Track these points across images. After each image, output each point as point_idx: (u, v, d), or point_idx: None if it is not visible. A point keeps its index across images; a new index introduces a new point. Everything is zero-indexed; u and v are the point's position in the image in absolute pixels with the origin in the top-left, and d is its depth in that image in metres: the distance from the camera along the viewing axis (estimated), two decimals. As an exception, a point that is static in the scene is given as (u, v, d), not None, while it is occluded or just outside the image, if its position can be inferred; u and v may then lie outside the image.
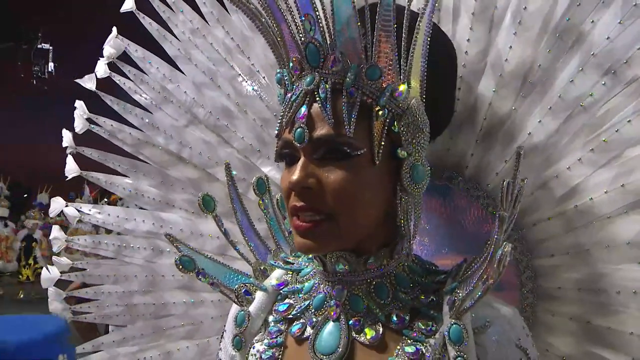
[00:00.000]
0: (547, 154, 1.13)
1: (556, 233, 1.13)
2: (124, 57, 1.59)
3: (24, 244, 11.27)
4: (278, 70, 0.95)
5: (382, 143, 0.87)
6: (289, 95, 0.91)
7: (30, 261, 11.11)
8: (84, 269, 1.62)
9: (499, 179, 1.18)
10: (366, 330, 0.91)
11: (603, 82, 1.07)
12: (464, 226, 1.22)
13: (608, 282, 1.07)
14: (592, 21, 1.08)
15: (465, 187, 1.21)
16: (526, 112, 1.15)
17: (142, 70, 1.57)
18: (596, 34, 1.07)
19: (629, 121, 1.05)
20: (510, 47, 1.14)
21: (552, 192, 1.13)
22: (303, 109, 0.87)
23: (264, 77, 1.43)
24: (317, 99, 0.86)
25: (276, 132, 0.93)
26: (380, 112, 0.87)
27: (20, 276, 10.98)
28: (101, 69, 1.61)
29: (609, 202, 1.07)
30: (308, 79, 0.88)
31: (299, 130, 0.87)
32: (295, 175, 0.87)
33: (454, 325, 0.87)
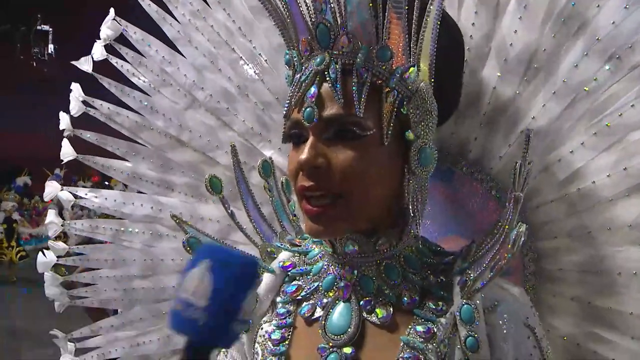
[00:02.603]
0: (551, 138, 1.14)
1: (559, 216, 1.15)
2: (122, 39, 1.56)
3: (4, 226, 11.37)
4: (287, 52, 0.96)
5: (391, 124, 0.88)
6: (298, 75, 0.92)
7: (13, 243, 11.21)
8: (82, 253, 1.60)
9: (503, 163, 1.19)
10: (377, 310, 0.93)
11: (607, 67, 1.08)
12: (466, 209, 1.23)
13: (609, 263, 1.09)
14: (598, 6, 1.09)
15: (468, 171, 1.22)
16: (530, 97, 1.16)
17: (140, 53, 1.55)
18: (601, 19, 1.08)
19: (632, 106, 1.07)
20: (516, 31, 1.15)
21: (555, 175, 1.14)
22: (313, 89, 0.88)
23: (265, 61, 1.42)
24: (327, 79, 0.87)
25: (284, 112, 0.93)
26: (390, 94, 0.88)
27: (4, 257, 11.05)
28: (98, 51, 1.58)
29: (611, 185, 1.09)
30: (318, 59, 0.88)
31: (308, 109, 0.87)
32: (304, 155, 0.87)
33: (465, 306, 0.89)
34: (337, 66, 0.87)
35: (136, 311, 1.54)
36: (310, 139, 0.88)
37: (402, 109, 0.90)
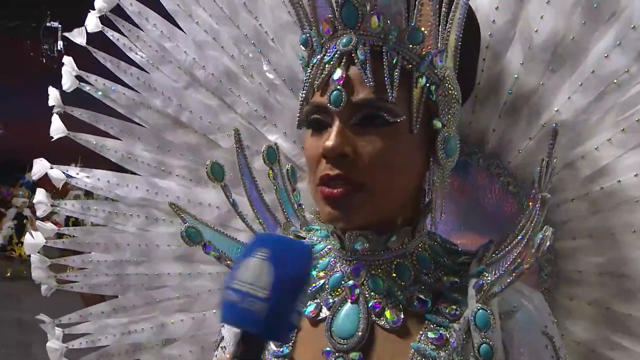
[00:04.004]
0: (575, 133, 1.08)
1: (580, 215, 1.09)
2: (118, 12, 1.47)
3: (15, 222, 11.40)
4: (304, 31, 0.89)
5: (421, 111, 0.83)
6: (319, 57, 0.85)
7: (23, 239, 11.19)
8: (72, 236, 1.53)
9: (522, 157, 1.12)
10: (387, 313, 0.87)
11: None
12: (482, 204, 1.17)
13: (632, 267, 1.04)
14: None
15: (485, 164, 1.16)
16: (554, 88, 1.09)
17: (137, 26, 1.46)
18: (637, 4, 1.01)
19: None
20: (542, 17, 1.07)
21: (578, 172, 1.08)
22: (339, 71, 0.82)
23: (271, 39, 1.33)
24: (356, 61, 0.81)
25: (302, 95, 0.87)
26: (421, 79, 0.83)
27: (14, 252, 11.07)
28: (92, 22, 1.49)
29: (638, 185, 1.03)
30: (345, 40, 0.82)
31: (335, 92, 0.81)
32: (331, 141, 0.80)
33: (481, 311, 0.83)
34: (366, 48, 0.81)
35: (128, 297, 1.47)
36: (337, 125, 0.82)
37: (430, 96, 0.84)
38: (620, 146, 1.04)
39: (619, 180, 1.04)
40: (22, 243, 11.26)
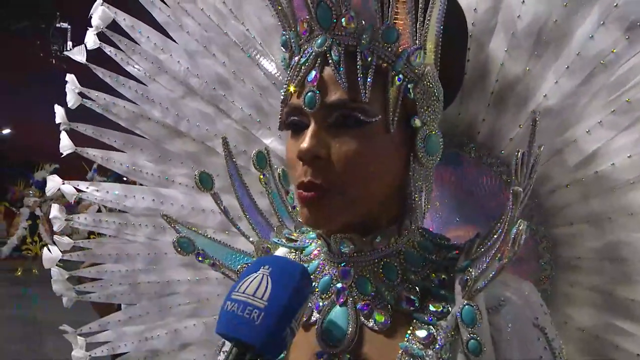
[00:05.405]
0: (564, 117, 1.05)
1: (575, 200, 1.07)
2: (115, 27, 1.50)
3: (29, 222, 11.71)
4: (283, 33, 0.89)
5: (397, 110, 0.82)
6: (296, 58, 0.85)
7: (36, 238, 11.53)
8: (87, 248, 1.58)
9: (513, 145, 1.11)
10: (375, 315, 0.87)
11: (627, 37, 0.98)
12: (476, 195, 1.15)
13: (631, 250, 1.02)
14: None
15: (477, 154, 1.14)
16: (541, 73, 1.07)
17: (133, 40, 1.49)
18: None
19: None
20: (523, 1, 1.06)
21: (570, 157, 1.06)
22: (313, 73, 0.82)
23: (260, 43, 1.34)
24: (330, 61, 0.81)
25: (282, 97, 0.87)
26: (396, 78, 0.82)
27: (30, 252, 11.39)
28: (90, 39, 1.53)
29: (632, 166, 1.01)
30: (319, 41, 0.82)
31: (309, 94, 0.81)
32: (306, 143, 0.81)
33: (467, 307, 0.82)
34: (340, 48, 0.81)
35: (142, 306, 1.51)
36: (312, 126, 0.83)
37: (408, 94, 0.84)
38: (612, 128, 1.02)
39: (613, 163, 1.02)
40: (35, 242, 11.58)
